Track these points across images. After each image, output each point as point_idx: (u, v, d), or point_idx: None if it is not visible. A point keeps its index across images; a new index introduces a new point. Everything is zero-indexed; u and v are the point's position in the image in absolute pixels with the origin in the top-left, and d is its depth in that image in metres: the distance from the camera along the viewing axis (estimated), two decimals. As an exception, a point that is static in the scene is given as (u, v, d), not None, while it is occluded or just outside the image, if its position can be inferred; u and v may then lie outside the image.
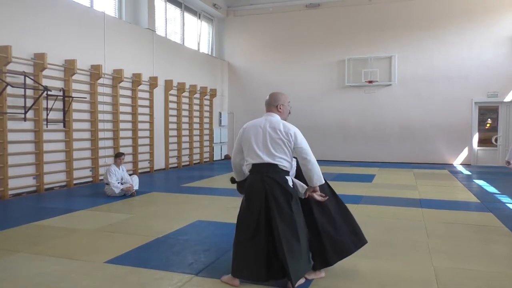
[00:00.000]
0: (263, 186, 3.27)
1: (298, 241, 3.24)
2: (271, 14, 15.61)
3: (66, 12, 8.67)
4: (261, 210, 3.27)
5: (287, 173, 3.39)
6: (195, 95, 13.62)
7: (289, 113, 3.62)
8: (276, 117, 3.43)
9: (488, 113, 14.19)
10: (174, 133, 12.61)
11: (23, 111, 7.51)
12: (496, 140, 13.87)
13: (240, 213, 3.45)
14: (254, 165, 3.35)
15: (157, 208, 6.59)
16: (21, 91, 7.47)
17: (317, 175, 3.32)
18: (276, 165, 3.29)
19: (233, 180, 3.75)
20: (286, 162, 3.33)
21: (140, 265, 3.81)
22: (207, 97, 14.58)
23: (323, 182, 3.44)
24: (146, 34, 11.40)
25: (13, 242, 4.59)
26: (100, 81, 9.45)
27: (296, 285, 3.24)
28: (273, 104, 3.49)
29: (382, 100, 14.60)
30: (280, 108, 3.49)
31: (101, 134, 9.53)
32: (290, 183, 3.36)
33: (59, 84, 8.41)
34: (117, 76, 9.95)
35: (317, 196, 3.37)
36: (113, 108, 10.00)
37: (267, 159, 3.29)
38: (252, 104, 15.03)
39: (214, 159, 14.96)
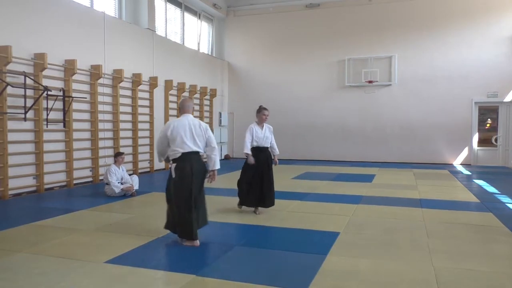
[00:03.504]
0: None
1: None
2: (271, 14, 15.62)
3: (66, 12, 8.67)
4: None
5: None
6: (195, 95, 13.62)
7: None
8: (192, 116, 4.66)
9: (488, 113, 14.19)
10: (174, 133, 12.59)
11: (23, 111, 7.51)
12: (496, 140, 13.88)
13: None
14: (183, 153, 4.43)
15: (157, 208, 6.58)
16: (21, 91, 7.47)
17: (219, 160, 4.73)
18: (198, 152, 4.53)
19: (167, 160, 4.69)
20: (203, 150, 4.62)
21: (140, 265, 3.80)
22: (207, 97, 14.58)
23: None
24: (146, 34, 11.40)
25: (13, 242, 4.59)
26: (100, 81, 9.45)
27: None
28: (190, 107, 4.73)
29: (382, 100, 14.60)
30: (193, 110, 4.77)
31: (101, 134, 9.53)
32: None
33: (59, 84, 8.41)
34: (117, 76, 9.95)
35: (214, 177, 4.73)
36: (113, 108, 10.00)
37: (194, 148, 4.49)
38: (252, 104, 14.97)
39: (214, 159, 14.93)
